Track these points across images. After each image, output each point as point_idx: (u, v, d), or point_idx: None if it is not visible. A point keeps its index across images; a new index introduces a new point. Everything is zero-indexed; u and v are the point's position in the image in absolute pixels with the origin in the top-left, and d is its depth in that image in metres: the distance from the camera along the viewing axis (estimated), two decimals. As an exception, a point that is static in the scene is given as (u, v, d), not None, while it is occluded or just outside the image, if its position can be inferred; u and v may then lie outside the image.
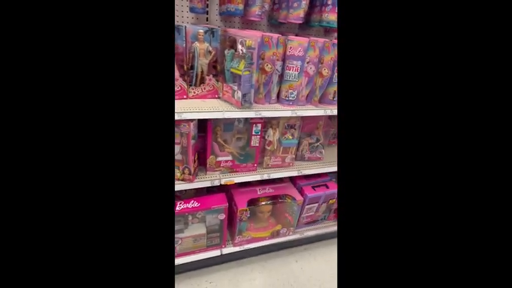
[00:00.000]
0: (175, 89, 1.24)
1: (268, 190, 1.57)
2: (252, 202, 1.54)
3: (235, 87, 1.22)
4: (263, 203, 1.56)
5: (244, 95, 1.20)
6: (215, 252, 1.52)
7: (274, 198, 1.60)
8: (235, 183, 1.45)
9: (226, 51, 1.22)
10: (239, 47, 1.16)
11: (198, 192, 1.68)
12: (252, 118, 1.32)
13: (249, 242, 1.58)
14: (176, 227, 1.39)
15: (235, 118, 1.32)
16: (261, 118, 1.34)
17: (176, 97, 1.26)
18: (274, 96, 1.37)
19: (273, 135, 1.44)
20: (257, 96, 1.33)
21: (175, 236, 1.39)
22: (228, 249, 1.55)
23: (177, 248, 1.42)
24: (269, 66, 1.27)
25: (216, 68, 1.30)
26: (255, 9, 1.34)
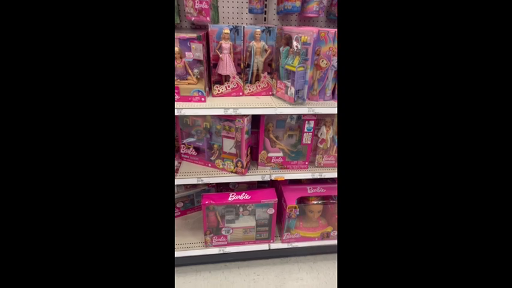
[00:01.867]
0: (232, 86, 1.32)
1: (319, 190, 1.53)
2: (302, 200, 1.52)
3: (289, 84, 1.23)
4: (313, 202, 1.53)
5: (297, 91, 1.21)
6: (263, 246, 1.55)
7: (325, 199, 1.55)
8: (286, 180, 1.46)
9: (281, 49, 1.24)
10: (294, 43, 1.17)
11: (251, 187, 1.75)
12: (304, 114, 1.31)
13: (297, 240, 1.57)
14: (228, 217, 1.48)
15: (287, 115, 1.33)
16: (314, 115, 1.32)
17: (233, 94, 1.33)
18: (329, 92, 1.33)
19: (326, 133, 1.40)
20: (311, 92, 1.31)
21: (227, 225, 1.48)
22: (276, 245, 1.56)
23: (228, 237, 1.50)
24: (324, 62, 1.24)
25: (271, 66, 1.33)
26: (312, 6, 1.33)
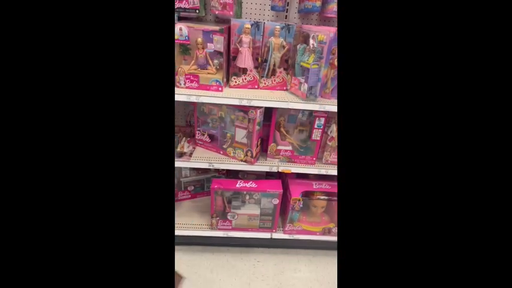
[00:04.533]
0: (249, 79, 1.39)
1: (325, 186, 1.57)
2: (307, 195, 1.57)
3: (303, 80, 1.28)
4: (318, 197, 1.58)
5: (310, 88, 1.26)
6: (266, 235, 1.62)
7: (330, 195, 1.59)
8: (293, 173, 1.52)
9: (298, 46, 1.29)
10: (311, 41, 1.21)
11: (259, 178, 1.81)
12: (315, 111, 1.36)
13: (299, 232, 1.63)
14: (234, 203, 1.56)
15: (299, 110, 1.39)
16: (325, 112, 1.36)
17: (248, 86, 1.40)
18: (341, 92, 1.37)
19: (335, 131, 1.44)
20: (324, 90, 1.35)
21: (233, 211, 1.56)
22: (278, 235, 1.63)
23: (233, 222, 1.58)
24: (339, 61, 1.28)
25: (288, 62, 1.39)
26: (333, 6, 1.37)
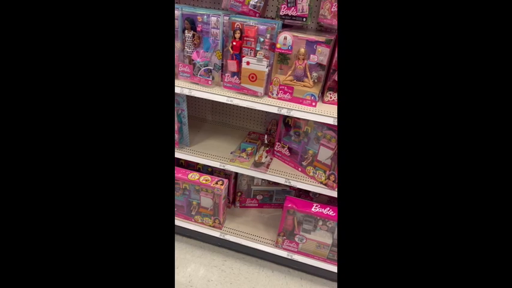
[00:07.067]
0: (346, 96, 1.24)
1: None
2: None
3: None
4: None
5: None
6: (333, 268, 1.46)
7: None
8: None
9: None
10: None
11: (331, 201, 1.65)
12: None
13: (373, 275, 1.41)
14: (305, 226, 1.44)
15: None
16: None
17: (344, 104, 1.26)
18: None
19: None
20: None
21: (302, 233, 1.44)
22: (348, 272, 1.44)
23: (300, 245, 1.47)
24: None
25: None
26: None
